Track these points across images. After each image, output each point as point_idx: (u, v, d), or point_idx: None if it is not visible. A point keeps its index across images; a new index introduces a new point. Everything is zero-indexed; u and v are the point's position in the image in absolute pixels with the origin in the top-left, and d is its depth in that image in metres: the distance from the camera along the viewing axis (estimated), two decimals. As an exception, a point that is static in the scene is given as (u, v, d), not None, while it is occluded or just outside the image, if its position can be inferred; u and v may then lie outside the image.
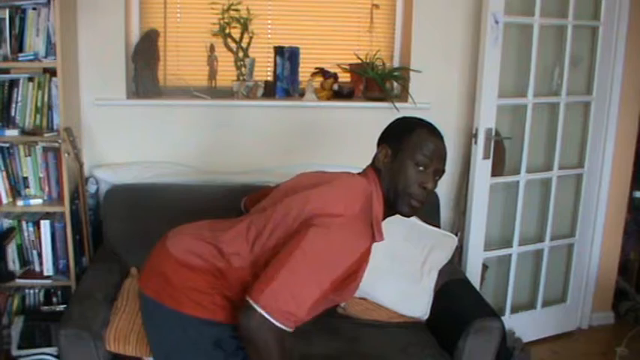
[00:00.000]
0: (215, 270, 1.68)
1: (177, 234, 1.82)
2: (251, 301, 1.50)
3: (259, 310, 1.49)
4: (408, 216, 1.77)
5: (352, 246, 1.60)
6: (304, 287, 1.53)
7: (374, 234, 1.69)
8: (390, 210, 1.75)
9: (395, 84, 3.16)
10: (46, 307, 2.75)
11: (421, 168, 1.70)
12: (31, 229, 2.71)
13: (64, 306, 2.65)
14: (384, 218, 1.75)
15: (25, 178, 2.69)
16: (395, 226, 1.93)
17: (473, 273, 2.92)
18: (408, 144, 1.71)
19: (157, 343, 1.77)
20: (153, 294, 1.73)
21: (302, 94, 3.05)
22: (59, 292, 2.79)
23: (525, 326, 3.15)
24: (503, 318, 2.60)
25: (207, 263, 1.69)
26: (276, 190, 1.91)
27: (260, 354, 1.52)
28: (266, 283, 1.52)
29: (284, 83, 3.03)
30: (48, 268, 2.73)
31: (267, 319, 1.49)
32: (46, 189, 2.71)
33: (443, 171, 1.75)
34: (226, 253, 1.70)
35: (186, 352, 1.69)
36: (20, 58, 2.55)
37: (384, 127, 1.85)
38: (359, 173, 1.80)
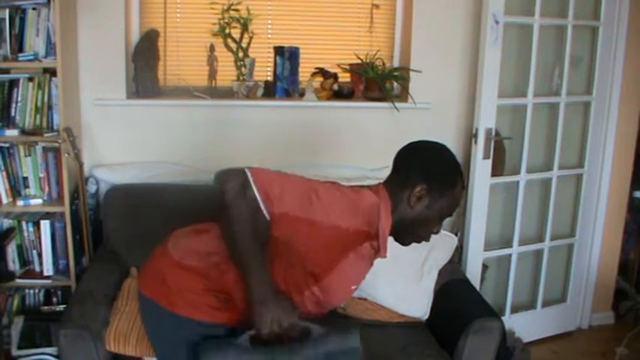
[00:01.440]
0: (210, 268, 1.68)
1: (178, 236, 1.82)
2: (246, 169, 1.58)
3: (247, 172, 1.57)
4: (404, 246, 1.80)
5: (348, 212, 1.62)
6: (292, 195, 1.58)
7: (378, 246, 1.69)
8: (391, 232, 1.74)
9: (395, 84, 3.16)
10: (46, 307, 2.75)
11: (443, 219, 1.74)
12: (31, 229, 2.71)
13: (64, 306, 2.64)
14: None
15: (25, 178, 2.69)
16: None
17: (473, 273, 2.92)
18: (446, 199, 1.69)
19: (157, 343, 1.79)
20: (150, 294, 1.74)
21: (302, 94, 3.05)
22: (59, 292, 2.79)
23: (525, 326, 3.15)
24: (503, 318, 2.60)
25: (206, 264, 1.69)
26: None
27: (230, 221, 1.55)
28: (269, 170, 1.61)
29: (284, 83, 3.03)
30: (48, 268, 2.73)
31: (251, 187, 1.55)
32: (46, 189, 2.71)
33: None
34: (225, 250, 1.69)
35: (183, 352, 1.69)
36: (20, 58, 2.55)
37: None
38: (371, 188, 1.75)
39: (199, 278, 1.68)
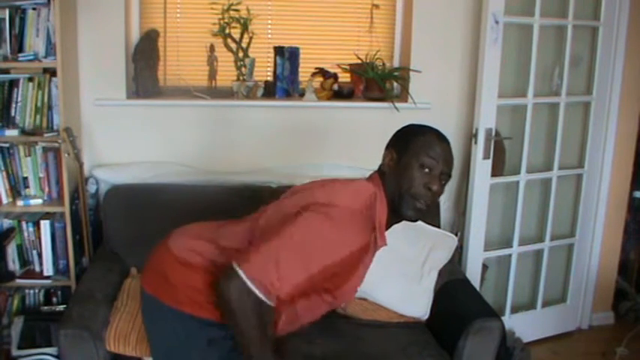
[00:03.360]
0: (214, 267, 1.68)
1: (179, 233, 1.83)
2: (235, 265, 1.52)
3: (242, 275, 1.50)
4: (414, 220, 1.73)
5: (345, 238, 1.61)
6: (290, 264, 1.54)
7: (376, 238, 1.69)
8: (394, 216, 1.73)
9: (395, 84, 3.16)
10: (46, 307, 2.75)
11: (427, 170, 1.67)
12: (31, 229, 2.71)
13: (64, 306, 2.65)
14: (388, 225, 1.74)
15: (25, 178, 2.69)
16: (395, 226, 1.92)
17: (473, 273, 2.92)
18: (414, 146, 1.69)
19: (156, 340, 1.79)
20: (152, 291, 1.74)
21: (302, 94, 3.05)
22: (59, 292, 2.79)
23: (525, 326, 3.15)
24: (503, 318, 2.60)
25: (206, 261, 1.70)
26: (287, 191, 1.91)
27: (236, 321, 1.53)
28: (253, 252, 1.54)
29: (284, 83, 3.03)
30: (48, 268, 2.73)
31: (247, 286, 1.50)
32: (46, 189, 2.71)
33: (449, 175, 1.71)
34: (225, 247, 1.71)
35: (182, 349, 1.70)
36: (20, 58, 2.55)
37: (390, 130, 1.83)
38: (366, 179, 1.79)
39: (201, 275, 1.68)
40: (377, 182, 1.73)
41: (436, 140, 1.71)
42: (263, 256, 1.54)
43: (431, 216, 2.76)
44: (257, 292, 1.51)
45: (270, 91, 3.05)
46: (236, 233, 1.75)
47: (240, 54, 2.99)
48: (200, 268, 1.69)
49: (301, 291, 1.65)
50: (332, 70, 3.11)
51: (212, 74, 3.02)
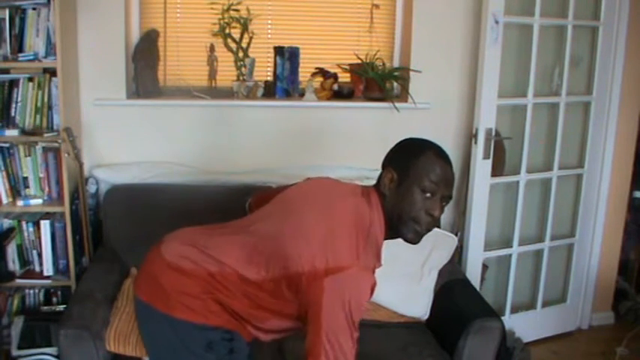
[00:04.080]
0: (207, 274, 1.66)
1: (171, 239, 1.80)
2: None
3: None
4: (412, 243, 1.71)
5: (368, 287, 1.59)
6: (343, 343, 1.54)
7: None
8: (392, 233, 1.71)
9: (395, 84, 3.16)
10: (46, 307, 2.74)
11: (428, 194, 1.64)
12: (31, 229, 2.71)
13: (64, 306, 2.64)
14: (385, 239, 1.72)
15: (25, 178, 2.69)
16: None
17: (473, 273, 2.92)
18: (414, 169, 1.65)
19: (151, 347, 1.77)
20: (146, 298, 1.72)
21: (302, 94, 3.05)
22: (59, 292, 2.79)
23: (525, 326, 3.15)
24: (503, 318, 2.60)
25: (200, 267, 1.67)
26: (280, 198, 1.85)
27: None
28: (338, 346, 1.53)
29: (284, 83, 3.03)
30: (48, 268, 2.73)
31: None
32: (46, 189, 2.71)
33: (450, 197, 1.69)
34: (216, 256, 1.68)
35: (179, 355, 1.68)
36: (20, 58, 2.55)
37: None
38: (362, 191, 1.73)
39: (197, 281, 1.66)
40: (375, 202, 1.68)
41: (437, 161, 1.66)
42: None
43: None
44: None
45: (270, 91, 3.05)
46: (229, 244, 1.71)
47: (240, 54, 2.99)
48: (193, 274, 1.67)
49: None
50: (332, 70, 3.11)
51: (212, 74, 3.02)
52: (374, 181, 1.75)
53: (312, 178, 1.91)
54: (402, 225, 1.67)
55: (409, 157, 1.67)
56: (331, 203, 1.69)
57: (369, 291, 1.59)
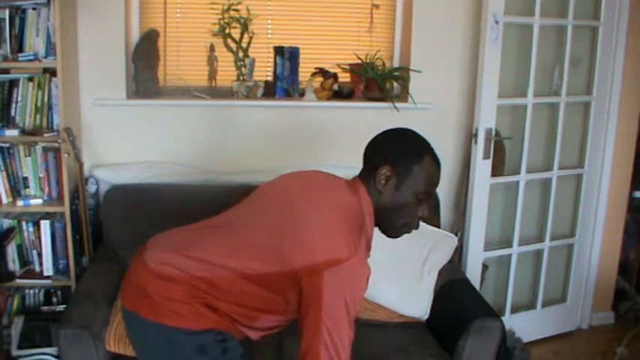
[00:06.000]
0: (193, 278, 1.63)
1: (154, 245, 1.77)
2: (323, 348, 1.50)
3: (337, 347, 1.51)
4: (393, 238, 1.73)
5: (365, 278, 1.59)
6: (343, 336, 1.53)
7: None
8: (377, 225, 1.71)
9: (395, 84, 3.16)
10: (46, 307, 2.74)
11: (421, 199, 1.66)
12: (31, 229, 2.71)
13: (64, 306, 2.65)
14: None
15: (25, 178, 2.69)
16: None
17: (473, 273, 2.92)
18: (415, 175, 1.64)
19: (144, 356, 1.74)
20: (132, 308, 1.69)
21: (302, 94, 3.05)
22: (59, 292, 2.79)
23: (525, 326, 3.15)
24: (503, 318, 2.61)
25: (184, 273, 1.64)
26: (263, 194, 1.82)
27: None
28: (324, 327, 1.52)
29: (284, 83, 3.03)
30: (48, 268, 2.73)
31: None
32: (46, 189, 2.71)
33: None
34: (204, 258, 1.65)
35: None
36: (20, 58, 2.55)
37: (382, 136, 1.76)
38: (348, 183, 1.72)
39: (180, 286, 1.63)
40: (364, 195, 1.67)
41: (434, 168, 1.67)
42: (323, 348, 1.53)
43: (431, 216, 2.76)
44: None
45: (270, 91, 3.05)
46: (217, 245, 1.68)
47: (240, 54, 2.99)
48: (179, 279, 1.63)
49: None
50: (332, 70, 3.11)
51: (212, 74, 3.02)
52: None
53: (290, 173, 1.86)
54: (393, 227, 1.69)
55: (409, 161, 1.65)
56: (323, 196, 1.68)
57: (366, 282, 1.59)
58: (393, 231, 1.71)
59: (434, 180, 1.67)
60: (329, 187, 1.72)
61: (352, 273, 1.55)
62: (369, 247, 1.68)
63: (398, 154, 1.68)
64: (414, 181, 1.64)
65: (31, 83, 2.63)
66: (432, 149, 1.70)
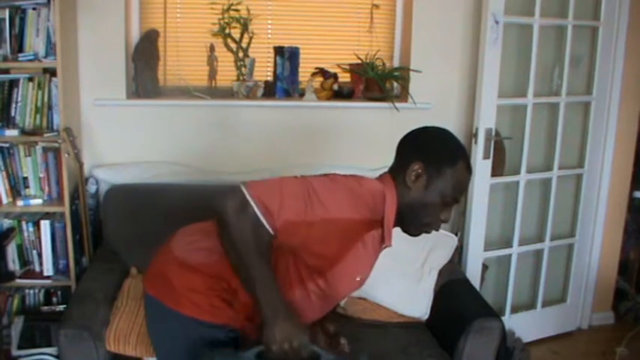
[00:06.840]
0: (213, 272, 1.67)
1: (184, 233, 1.82)
2: (241, 185, 1.51)
3: (245, 193, 1.49)
4: (413, 236, 1.72)
5: (349, 202, 1.58)
6: (292, 201, 1.52)
7: (383, 235, 1.66)
8: (398, 224, 1.71)
9: (395, 84, 3.16)
10: (46, 307, 2.74)
11: (448, 203, 1.66)
12: (31, 229, 2.71)
13: (64, 306, 2.65)
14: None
15: (25, 178, 2.69)
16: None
17: (473, 273, 2.92)
18: (446, 178, 1.62)
19: (157, 341, 1.79)
20: (154, 293, 1.74)
21: (302, 94, 3.05)
22: (59, 292, 2.79)
23: (525, 326, 3.15)
24: (503, 318, 2.60)
25: (208, 262, 1.68)
26: None
27: (233, 241, 1.49)
28: (262, 181, 1.55)
29: (284, 83, 3.03)
30: (48, 268, 2.73)
31: (247, 200, 1.49)
32: (46, 189, 2.71)
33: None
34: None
35: (182, 351, 1.69)
36: (20, 58, 2.55)
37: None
38: (377, 178, 1.72)
39: (203, 278, 1.67)
40: (389, 186, 1.66)
41: (466, 174, 1.67)
42: (269, 184, 1.55)
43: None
44: (254, 206, 1.48)
45: (270, 91, 3.05)
46: None
47: (240, 54, 2.99)
48: (201, 270, 1.68)
49: (297, 275, 1.63)
50: (332, 70, 3.11)
51: (212, 74, 3.02)
52: None
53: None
54: (414, 221, 1.67)
55: (443, 162, 1.64)
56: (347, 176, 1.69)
57: (350, 203, 1.58)
58: (414, 228, 1.70)
59: (463, 186, 1.67)
60: (349, 176, 1.71)
61: (345, 186, 1.58)
62: (389, 234, 1.66)
63: (432, 153, 1.66)
64: (444, 183, 1.63)
65: (31, 83, 2.63)
66: (467, 156, 1.70)
